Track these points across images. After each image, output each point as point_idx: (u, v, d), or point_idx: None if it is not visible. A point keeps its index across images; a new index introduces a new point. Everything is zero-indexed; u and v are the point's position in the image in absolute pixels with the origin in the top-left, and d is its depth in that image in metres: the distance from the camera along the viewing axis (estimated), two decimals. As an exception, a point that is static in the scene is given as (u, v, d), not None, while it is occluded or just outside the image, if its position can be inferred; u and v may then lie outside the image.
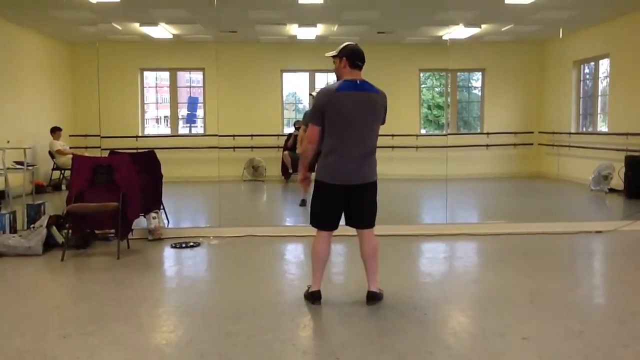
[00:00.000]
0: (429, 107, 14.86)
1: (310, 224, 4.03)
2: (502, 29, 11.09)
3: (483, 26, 10.81)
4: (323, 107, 3.84)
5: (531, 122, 12.76)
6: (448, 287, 4.62)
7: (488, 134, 12.71)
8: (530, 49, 12.62)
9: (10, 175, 6.83)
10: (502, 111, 12.94)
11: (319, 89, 4.30)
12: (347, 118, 3.81)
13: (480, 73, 13.25)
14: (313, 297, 4.00)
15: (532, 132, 12.67)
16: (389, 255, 5.55)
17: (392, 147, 12.22)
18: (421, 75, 13.34)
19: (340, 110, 3.81)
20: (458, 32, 11.09)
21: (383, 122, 4.02)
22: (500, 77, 12.88)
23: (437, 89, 15.20)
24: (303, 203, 8.23)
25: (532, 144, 12.69)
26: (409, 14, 9.84)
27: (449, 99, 13.71)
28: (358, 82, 3.89)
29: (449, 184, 7.88)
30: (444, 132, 13.36)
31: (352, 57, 3.92)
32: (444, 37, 11.49)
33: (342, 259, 5.62)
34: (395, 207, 8.88)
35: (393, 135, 12.21)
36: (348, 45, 4.00)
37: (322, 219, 3.97)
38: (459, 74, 13.40)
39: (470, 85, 14.09)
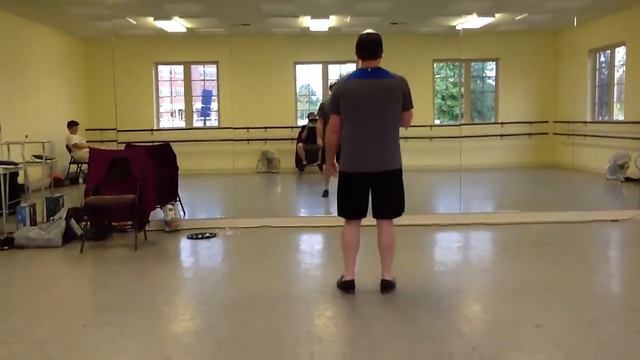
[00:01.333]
0: (442, 98, 14.81)
1: (338, 214, 4.05)
2: (516, 18, 10.99)
3: (497, 15, 10.72)
4: (338, 97, 3.89)
5: (546, 112, 12.65)
6: (462, 276, 4.65)
7: (502, 123, 12.63)
8: (545, 37, 12.50)
9: (29, 169, 6.94)
10: (517, 101, 12.85)
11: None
12: (359, 106, 3.83)
13: (494, 63, 13.17)
14: (346, 286, 4.01)
15: (547, 122, 12.57)
16: (403, 245, 5.55)
17: (406, 137, 12.18)
18: (435, 65, 13.29)
19: (351, 98, 3.84)
20: (471, 21, 11.02)
21: (407, 108, 3.97)
22: (515, 67, 12.78)
23: (450, 79, 15.13)
24: (325, 194, 8.25)
25: (547, 134, 12.60)
26: (422, 5, 9.79)
27: (462, 89, 13.65)
28: (370, 69, 3.88)
29: (463, 174, 7.87)
30: (458, 123, 13.31)
31: (358, 49, 3.92)
32: (457, 27, 11.42)
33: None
34: (409, 197, 8.87)
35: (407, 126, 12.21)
36: (359, 36, 3.96)
37: (347, 208, 3.99)
38: (472, 64, 13.31)
39: (484, 75, 14.01)
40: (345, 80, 3.93)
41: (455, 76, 14.66)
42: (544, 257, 5.07)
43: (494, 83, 13.37)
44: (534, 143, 12.69)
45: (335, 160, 4.13)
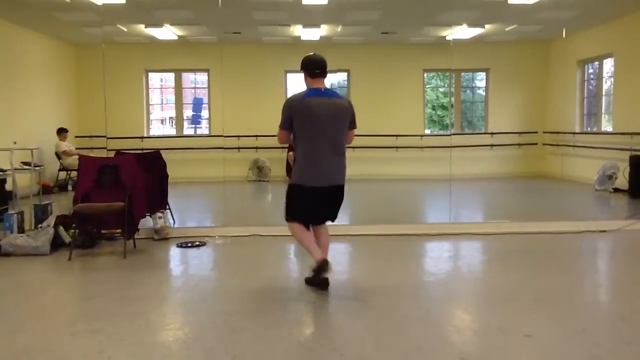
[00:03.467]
0: (433, 108, 14.90)
1: (286, 219, 4.29)
2: (506, 29, 11.11)
3: (487, 26, 10.84)
4: (292, 114, 4.10)
5: (535, 122, 12.77)
6: (452, 285, 4.65)
7: (492, 133, 12.73)
8: (534, 48, 12.64)
9: (17, 176, 6.88)
10: (507, 111, 12.96)
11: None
12: (317, 122, 4.05)
13: (485, 73, 13.27)
14: (322, 268, 4.12)
15: (536, 132, 12.68)
16: (392, 254, 5.60)
17: (397, 147, 12.27)
18: (425, 75, 13.37)
19: (309, 115, 4.05)
20: (461, 32, 11.12)
21: (352, 127, 4.28)
22: (505, 77, 12.90)
23: (441, 89, 15.22)
24: None
25: (536, 144, 12.71)
26: (413, 15, 9.87)
27: (452, 99, 13.73)
28: (322, 89, 4.16)
29: (453, 183, 7.91)
30: (449, 132, 13.38)
31: (308, 68, 4.18)
32: (447, 38, 11.52)
33: (345, 257, 5.66)
34: (399, 206, 8.92)
35: (397, 136, 12.27)
36: (306, 57, 4.25)
37: (301, 216, 4.25)
38: (463, 74, 13.41)
39: (474, 85, 14.12)
40: (302, 97, 4.12)
41: (446, 86, 14.76)
42: (533, 267, 5.09)
43: (484, 93, 13.47)
44: (524, 153, 12.79)
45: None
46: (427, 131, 13.58)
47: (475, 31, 11.12)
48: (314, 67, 4.18)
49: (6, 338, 3.40)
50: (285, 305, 4.03)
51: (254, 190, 11.41)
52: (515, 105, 12.98)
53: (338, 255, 5.87)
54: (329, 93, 4.20)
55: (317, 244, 4.26)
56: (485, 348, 3.25)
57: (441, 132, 14.44)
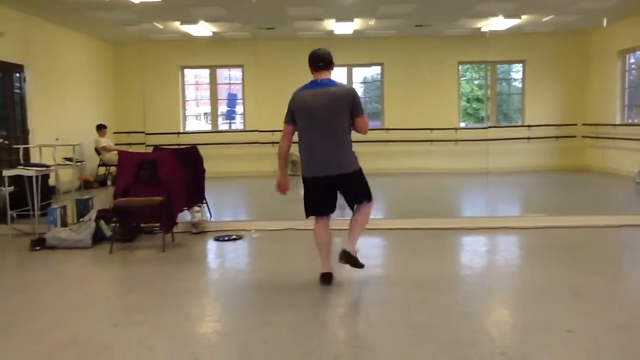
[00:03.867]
0: (467, 100, 14.71)
1: (306, 215, 4.34)
2: (543, 20, 10.88)
3: (523, 17, 10.62)
4: (292, 109, 4.19)
5: (574, 114, 12.48)
6: (489, 280, 4.61)
7: (529, 126, 12.49)
8: (573, 39, 12.34)
9: (59, 171, 7.07)
10: (544, 103, 12.70)
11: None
12: (310, 115, 4.10)
13: (521, 65, 13.03)
14: (323, 279, 4.26)
15: (575, 125, 12.39)
16: (428, 248, 5.57)
17: (431, 140, 12.16)
18: (460, 67, 13.20)
19: (303, 108, 4.12)
20: (497, 23, 10.93)
21: (356, 114, 4.17)
22: (542, 69, 12.64)
23: (476, 82, 15.01)
24: None
25: (575, 137, 12.42)
26: (447, 6, 9.75)
27: (488, 92, 13.53)
28: (319, 80, 4.18)
29: (489, 177, 7.80)
30: (484, 125, 13.20)
31: (311, 62, 4.25)
32: (482, 29, 11.34)
33: (380, 251, 5.65)
34: (434, 200, 8.85)
35: (432, 129, 12.15)
36: (311, 52, 4.32)
37: (312, 209, 4.29)
38: (498, 66, 13.20)
39: (510, 77, 13.87)
40: (298, 92, 4.20)
41: (481, 78, 14.54)
42: (572, 261, 4.99)
43: (520, 85, 13.23)
44: (562, 146, 12.52)
45: (286, 172, 4.43)
46: (462, 124, 13.42)
47: (512, 22, 10.91)
48: (317, 61, 4.23)
49: (54, 328, 3.51)
50: (320, 299, 4.06)
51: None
52: (553, 97, 12.70)
53: (373, 249, 5.88)
54: (325, 83, 4.17)
55: (350, 227, 4.27)
56: (525, 343, 3.20)
57: (476, 125, 14.26)
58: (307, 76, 13.07)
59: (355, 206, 4.30)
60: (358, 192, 4.24)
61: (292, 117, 4.20)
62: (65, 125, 9.79)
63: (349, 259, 4.17)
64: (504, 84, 13.91)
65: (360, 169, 4.24)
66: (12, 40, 8.60)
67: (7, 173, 6.29)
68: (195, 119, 14.24)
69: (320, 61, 4.22)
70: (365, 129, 4.27)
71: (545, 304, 3.84)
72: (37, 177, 6.33)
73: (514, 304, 3.96)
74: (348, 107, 4.11)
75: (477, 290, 4.24)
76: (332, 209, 4.30)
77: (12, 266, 5.47)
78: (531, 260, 5.25)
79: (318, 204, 4.25)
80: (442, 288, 4.23)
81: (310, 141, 4.12)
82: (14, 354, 3.11)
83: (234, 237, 6.10)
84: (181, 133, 12.42)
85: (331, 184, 4.16)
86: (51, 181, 7.37)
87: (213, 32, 11.33)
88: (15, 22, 8.69)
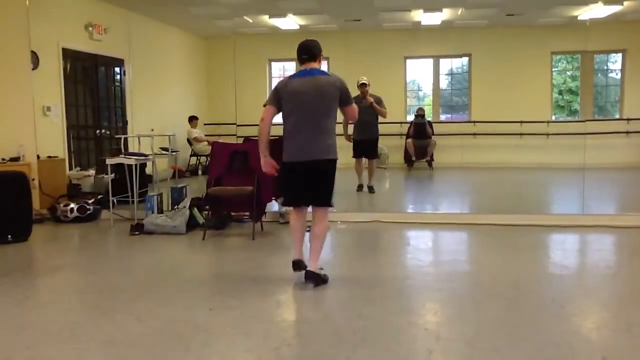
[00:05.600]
0: (559, 92, 14.06)
1: (282, 204, 4.34)
2: (648, 6, 10.21)
3: (625, 3, 10.00)
4: (278, 94, 4.18)
5: (679, 107, 11.64)
6: (586, 280, 4.41)
7: (629, 119, 11.77)
8: (681, 26, 11.49)
9: (156, 160, 7.43)
10: (646, 95, 11.93)
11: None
12: (296, 102, 4.10)
13: (621, 54, 12.28)
14: (294, 266, 4.30)
15: (680, 118, 11.57)
16: (520, 245, 5.40)
17: (521, 134, 11.75)
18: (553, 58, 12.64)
19: (290, 96, 4.12)
20: (596, 11, 10.35)
21: (345, 103, 4.20)
22: (645, 59, 11.87)
23: (569, 73, 14.32)
24: (359, 188, 8.44)
25: (680, 131, 11.60)
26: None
27: (582, 83, 12.88)
28: (309, 69, 4.18)
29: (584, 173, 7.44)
30: (579, 118, 12.58)
31: (298, 54, 4.25)
32: (579, 17, 10.78)
33: (470, 247, 5.55)
34: (525, 196, 8.56)
35: (522, 122, 11.74)
36: (298, 44, 4.28)
37: (288, 197, 4.34)
38: (594, 56, 12.51)
39: (606, 67, 13.12)
40: (288, 78, 4.23)
41: (574, 69, 13.86)
42: (680, 264, 4.69)
43: (618, 76, 12.48)
44: (666, 141, 11.72)
45: (268, 152, 4.27)
46: (553, 117, 12.85)
47: (612, 9, 10.30)
48: (301, 53, 4.23)
49: (155, 309, 3.72)
50: (410, 292, 4.04)
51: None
52: (657, 88, 11.91)
53: (463, 245, 5.79)
54: (315, 72, 4.17)
55: (310, 244, 4.25)
56: (629, 349, 3.04)
57: (569, 119, 13.61)
58: (393, 67, 13.02)
59: (311, 206, 4.25)
60: (321, 190, 4.17)
61: (277, 101, 4.18)
62: (160, 117, 10.27)
63: (313, 277, 4.13)
64: (599, 75, 13.17)
65: (335, 161, 4.18)
66: (115, 35, 9.10)
67: (110, 161, 6.67)
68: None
69: (304, 53, 4.22)
70: (355, 116, 4.37)
71: (650, 308, 3.64)
72: (136, 165, 6.68)
73: (613, 306, 3.77)
74: (337, 96, 4.15)
75: (574, 291, 4.07)
76: (307, 200, 4.25)
77: (115, 249, 5.82)
78: (633, 261, 4.97)
79: (294, 191, 4.25)
80: (535, 287, 4.10)
81: (294, 127, 4.14)
82: (120, 333, 3.32)
83: (320, 227, 6.16)
84: (267, 125, 12.67)
85: (308, 169, 4.12)
86: (148, 170, 7.76)
87: (300, 25, 11.46)
88: (117, 18, 9.19)
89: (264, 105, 4.32)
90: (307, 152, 4.12)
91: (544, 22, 11.51)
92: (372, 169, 8.55)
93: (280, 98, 4.20)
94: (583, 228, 6.03)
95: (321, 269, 4.21)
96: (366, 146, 8.33)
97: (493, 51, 12.13)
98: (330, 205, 4.24)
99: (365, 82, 8.12)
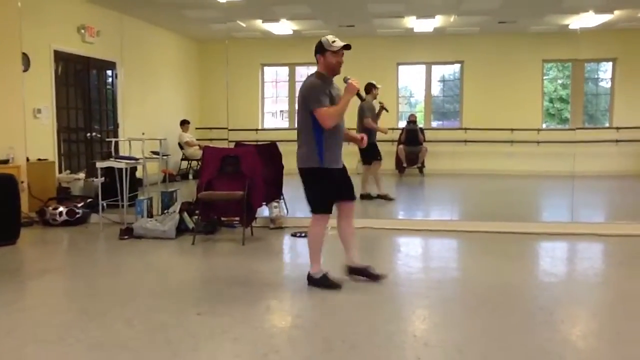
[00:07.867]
0: (550, 100, 14.15)
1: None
2: (638, 15, 10.29)
3: (615, 12, 10.10)
4: None
5: (668, 116, 11.74)
6: (575, 288, 4.43)
7: (618, 128, 11.86)
8: (670, 35, 11.61)
9: (146, 164, 7.40)
10: (635, 104, 12.01)
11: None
12: None
13: (611, 63, 12.39)
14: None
15: (670, 127, 11.66)
16: (509, 253, 5.42)
17: (512, 141, 11.80)
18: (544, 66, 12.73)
19: None
20: (587, 19, 10.43)
21: (308, 109, 4.07)
22: (635, 67, 11.96)
23: (559, 81, 14.42)
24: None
25: (669, 140, 11.69)
26: (535, 2, 9.42)
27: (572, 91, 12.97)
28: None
29: (574, 181, 7.49)
30: (569, 127, 12.66)
31: None
32: (570, 26, 10.87)
33: (459, 254, 5.56)
34: (515, 203, 8.59)
35: (513, 130, 11.80)
36: None
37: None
38: (585, 64, 12.61)
39: (597, 76, 13.22)
40: None
41: (565, 77, 13.96)
42: (667, 273, 4.72)
43: (608, 85, 12.59)
44: (655, 150, 11.81)
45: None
46: (544, 125, 12.93)
47: (603, 18, 10.40)
48: None
49: (144, 314, 3.69)
50: (400, 299, 4.04)
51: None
52: (646, 97, 12.00)
53: (453, 252, 5.79)
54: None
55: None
56: (617, 357, 3.06)
57: (559, 127, 13.70)
58: (386, 73, 13.05)
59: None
60: (305, 195, 4.21)
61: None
62: (151, 120, 10.23)
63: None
64: (589, 83, 13.28)
65: (307, 170, 4.11)
66: (107, 38, 9.07)
67: (100, 165, 6.64)
68: (272, 116, 14.49)
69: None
70: (325, 123, 4.02)
71: (638, 316, 3.65)
72: (126, 169, 6.65)
73: (601, 315, 3.79)
74: (303, 101, 4.10)
75: (562, 298, 4.08)
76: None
77: (104, 253, 5.78)
78: (621, 269, 4.99)
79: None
80: (525, 294, 4.11)
81: None
82: (108, 336, 3.29)
83: (311, 233, 6.16)
84: (259, 130, 12.67)
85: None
86: (138, 173, 7.72)
87: (293, 30, 11.48)
88: (109, 21, 9.16)
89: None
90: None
91: (536, 30, 11.60)
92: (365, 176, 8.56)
93: None
94: (572, 236, 6.06)
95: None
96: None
97: (485, 58, 12.20)
98: (313, 212, 4.25)
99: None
